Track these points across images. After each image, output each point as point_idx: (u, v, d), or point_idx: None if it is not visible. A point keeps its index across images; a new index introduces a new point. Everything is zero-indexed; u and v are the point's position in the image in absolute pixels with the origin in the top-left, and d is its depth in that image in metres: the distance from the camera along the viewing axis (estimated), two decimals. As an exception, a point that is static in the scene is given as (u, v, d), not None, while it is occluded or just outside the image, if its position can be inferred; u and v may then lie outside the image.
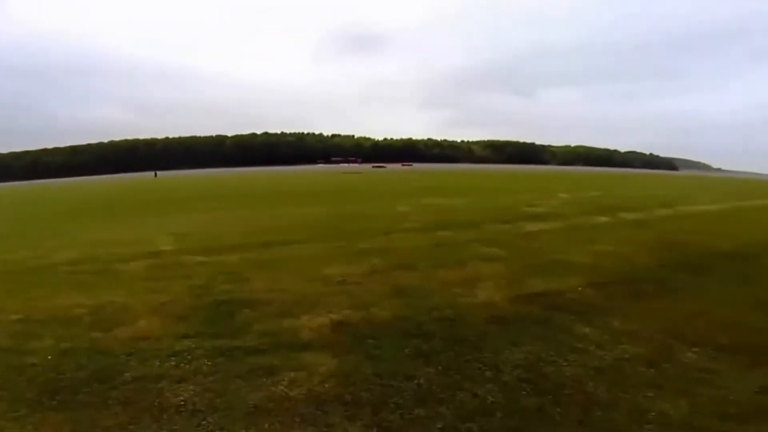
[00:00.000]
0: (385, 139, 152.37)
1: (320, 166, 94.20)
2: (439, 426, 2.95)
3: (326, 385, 3.41)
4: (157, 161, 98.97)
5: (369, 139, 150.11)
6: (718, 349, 4.16)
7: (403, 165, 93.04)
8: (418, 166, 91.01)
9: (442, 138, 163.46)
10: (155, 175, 57.92)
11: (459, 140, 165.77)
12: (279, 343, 4.14)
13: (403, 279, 6.13)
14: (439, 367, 3.69)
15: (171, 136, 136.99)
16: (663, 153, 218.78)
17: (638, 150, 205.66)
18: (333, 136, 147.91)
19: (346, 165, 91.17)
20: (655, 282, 6.45)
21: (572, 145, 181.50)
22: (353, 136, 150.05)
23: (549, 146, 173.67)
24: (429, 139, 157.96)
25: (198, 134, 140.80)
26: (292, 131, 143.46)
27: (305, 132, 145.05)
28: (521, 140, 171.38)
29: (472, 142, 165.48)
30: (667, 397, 3.30)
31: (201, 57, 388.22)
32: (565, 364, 3.83)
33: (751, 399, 3.28)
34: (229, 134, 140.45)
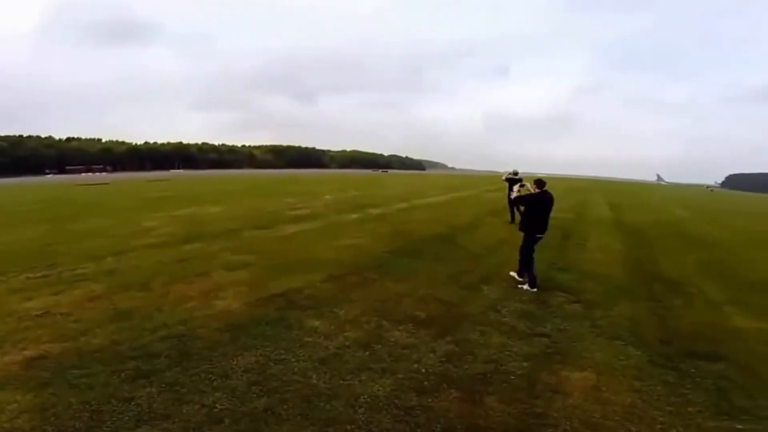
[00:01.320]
0: (147, 142, 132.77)
1: (50, 177, 75.70)
2: (163, 440, 2.89)
3: (19, 421, 3.13)
4: None
5: (123, 143, 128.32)
6: (417, 324, 5.06)
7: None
8: (186, 173, 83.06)
9: (221, 142, 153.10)
10: None
11: (240, 144, 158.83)
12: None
13: (127, 302, 5.60)
14: (163, 385, 3.58)
15: None
16: (415, 155, 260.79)
17: (397, 153, 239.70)
18: (70, 139, 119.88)
19: (89, 174, 76.11)
20: (379, 268, 7.49)
21: (347, 149, 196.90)
22: (100, 139, 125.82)
23: (328, 150, 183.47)
24: (204, 143, 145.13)
25: None
26: (3, 134, 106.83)
27: (24, 135, 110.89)
28: (303, 145, 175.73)
29: (254, 147, 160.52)
30: (376, 377, 3.81)
31: None
32: (293, 360, 4.09)
33: (438, 368, 4.02)
34: None
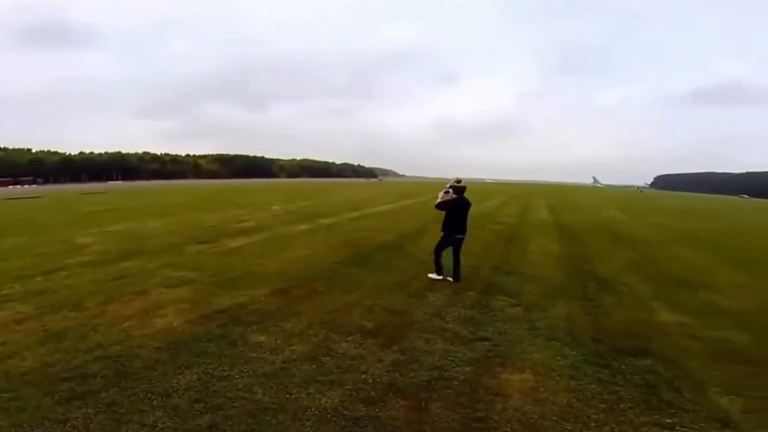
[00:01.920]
0: (82, 152, 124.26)
1: None
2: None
3: (-59, 447, 2.97)
4: None
5: (56, 153, 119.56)
6: (365, 334, 5.07)
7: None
8: (125, 184, 78.55)
9: (163, 151, 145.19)
10: None
11: (184, 154, 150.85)
12: None
13: (59, 323, 5.28)
14: (100, 406, 3.47)
15: None
16: (367, 163, 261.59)
17: (349, 161, 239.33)
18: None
19: (17, 187, 70.35)
20: (328, 279, 7.46)
21: (297, 158, 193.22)
22: (29, 149, 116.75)
23: (278, 159, 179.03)
24: (145, 153, 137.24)
25: None
26: None
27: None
28: (251, 154, 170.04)
29: (199, 156, 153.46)
30: (324, 390, 3.78)
31: None
32: (237, 376, 4.00)
33: (385, 377, 4.05)
34: None
